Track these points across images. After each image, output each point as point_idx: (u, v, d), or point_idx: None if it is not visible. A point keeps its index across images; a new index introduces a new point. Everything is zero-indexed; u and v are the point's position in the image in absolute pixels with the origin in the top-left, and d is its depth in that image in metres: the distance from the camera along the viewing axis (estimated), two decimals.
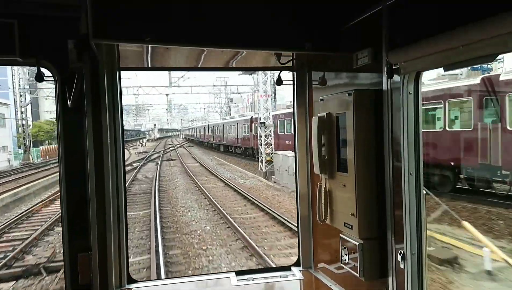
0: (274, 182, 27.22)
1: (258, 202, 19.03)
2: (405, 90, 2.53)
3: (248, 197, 20.47)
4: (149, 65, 3.75)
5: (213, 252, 12.49)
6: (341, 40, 3.01)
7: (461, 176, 16.88)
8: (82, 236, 3.08)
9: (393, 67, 2.58)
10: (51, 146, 59.96)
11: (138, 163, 41.42)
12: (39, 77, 2.94)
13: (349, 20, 2.90)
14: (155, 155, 54.44)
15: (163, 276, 10.36)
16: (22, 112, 47.13)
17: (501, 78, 15.22)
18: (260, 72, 32.34)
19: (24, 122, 47.57)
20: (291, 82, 4.03)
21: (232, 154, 50.33)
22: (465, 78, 18.52)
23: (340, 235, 3.17)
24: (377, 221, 2.88)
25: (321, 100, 3.40)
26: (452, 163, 16.68)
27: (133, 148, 74.39)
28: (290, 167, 23.77)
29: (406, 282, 2.60)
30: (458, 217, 12.64)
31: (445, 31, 2.10)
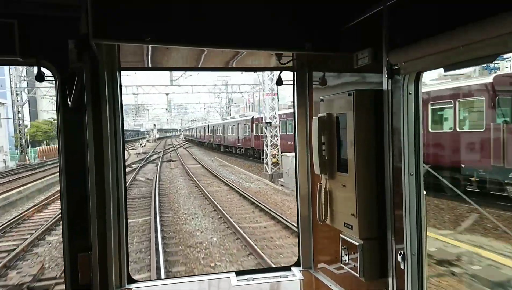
0: (282, 185, 25.76)
1: (267, 208, 17.55)
2: (405, 90, 2.54)
3: (256, 202, 19.01)
4: (149, 65, 3.75)
5: (222, 270, 10.88)
6: (341, 40, 3.02)
7: (472, 179, 15.94)
8: (82, 236, 3.09)
9: (394, 67, 2.59)
10: (48, 146, 59.65)
11: (137, 165, 40.72)
12: (40, 77, 2.97)
13: (349, 20, 2.91)
14: (155, 156, 53.84)
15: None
16: (18, 112, 46.62)
17: None
18: None
19: (20, 122, 47.17)
20: (291, 82, 4.05)
21: (233, 155, 49.92)
22: (478, 76, 17.85)
23: (340, 235, 3.18)
24: (377, 221, 2.89)
25: (322, 100, 3.40)
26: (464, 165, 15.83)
27: (132, 149, 73.87)
28: None
29: (406, 283, 2.61)
30: (502, 227, 11.19)
31: (445, 31, 2.11)
